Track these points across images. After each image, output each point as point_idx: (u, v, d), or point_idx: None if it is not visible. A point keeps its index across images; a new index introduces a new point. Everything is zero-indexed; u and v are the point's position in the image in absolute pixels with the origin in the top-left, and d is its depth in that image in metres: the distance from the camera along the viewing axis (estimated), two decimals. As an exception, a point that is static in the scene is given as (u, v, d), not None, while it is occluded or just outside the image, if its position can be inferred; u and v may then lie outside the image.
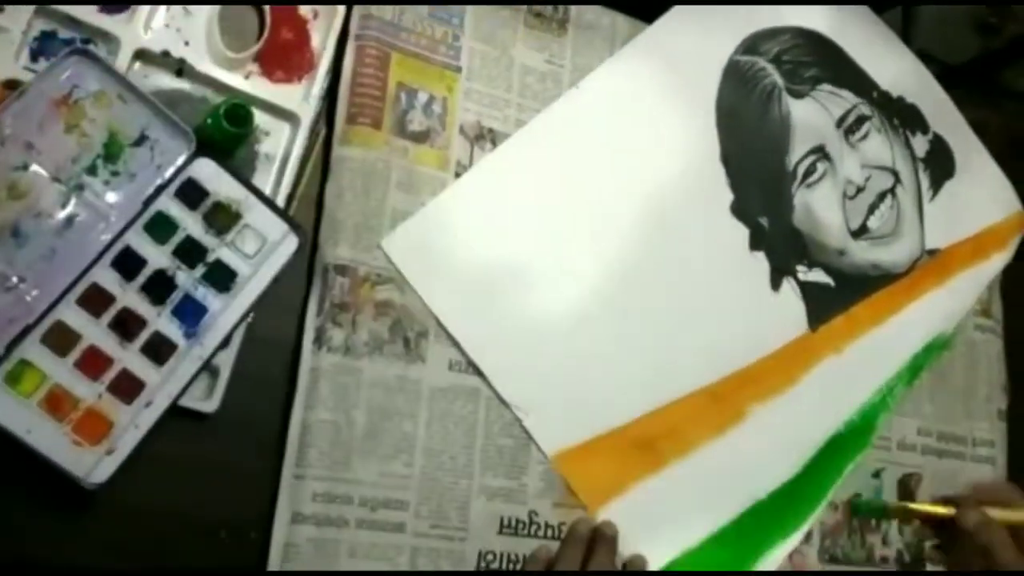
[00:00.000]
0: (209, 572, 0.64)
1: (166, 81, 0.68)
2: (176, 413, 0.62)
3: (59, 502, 0.60)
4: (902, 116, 0.98)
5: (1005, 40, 1.19)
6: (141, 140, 0.63)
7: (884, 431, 0.90)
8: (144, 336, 0.62)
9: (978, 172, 1.01)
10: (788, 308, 0.87)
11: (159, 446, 0.61)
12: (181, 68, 0.68)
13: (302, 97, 0.71)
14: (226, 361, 0.65)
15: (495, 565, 0.70)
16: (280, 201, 0.69)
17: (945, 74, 1.01)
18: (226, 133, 0.64)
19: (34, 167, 0.60)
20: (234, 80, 0.69)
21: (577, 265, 0.78)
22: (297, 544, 0.64)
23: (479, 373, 0.73)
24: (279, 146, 0.71)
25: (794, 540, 0.82)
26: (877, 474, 0.90)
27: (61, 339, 0.60)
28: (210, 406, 0.65)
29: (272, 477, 0.66)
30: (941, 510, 0.72)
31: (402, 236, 0.71)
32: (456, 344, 0.72)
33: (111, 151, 0.62)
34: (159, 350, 0.62)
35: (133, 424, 0.60)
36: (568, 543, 0.71)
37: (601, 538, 0.72)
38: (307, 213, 0.71)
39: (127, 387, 0.61)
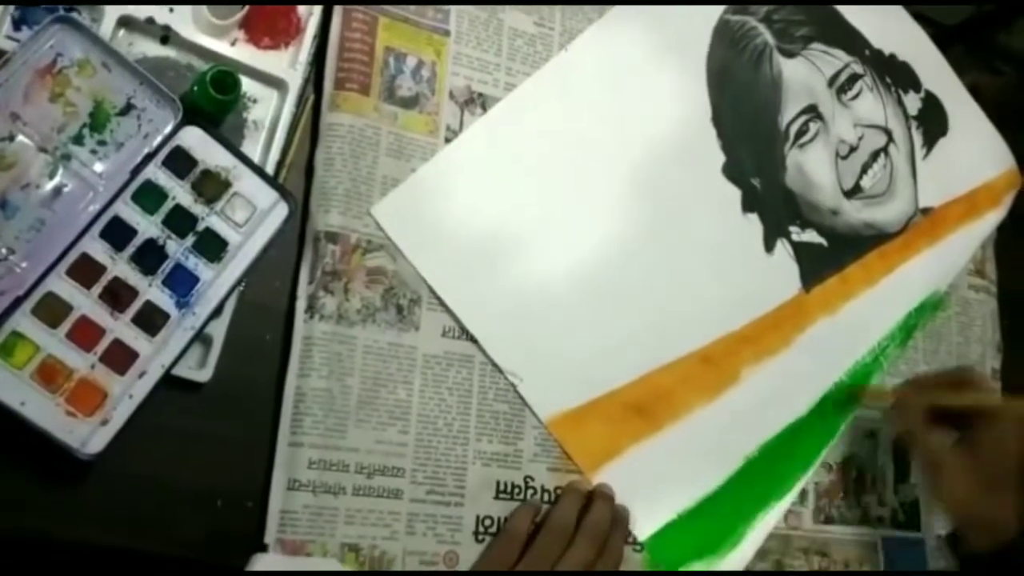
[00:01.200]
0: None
1: (151, 49, 0.67)
2: (170, 383, 0.62)
3: (54, 473, 0.60)
4: (894, 74, 0.98)
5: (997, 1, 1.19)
6: (127, 109, 0.62)
7: None
8: (135, 306, 0.61)
9: (971, 129, 1.02)
10: (781, 269, 0.87)
11: (153, 416, 0.61)
12: (166, 35, 0.67)
13: (289, 63, 0.71)
14: (219, 330, 0.65)
15: (493, 530, 0.71)
16: (269, 168, 0.68)
17: (939, 35, 1.01)
18: (213, 100, 0.64)
19: (20, 137, 0.60)
20: (220, 47, 0.69)
21: (568, 229, 0.78)
22: (294, 511, 0.64)
23: (472, 339, 0.73)
24: (267, 113, 0.71)
25: (788, 500, 0.83)
26: (872, 434, 0.90)
27: (52, 310, 0.59)
28: (204, 375, 0.65)
29: (267, 445, 0.66)
30: (884, 395, 0.85)
31: (392, 203, 0.71)
32: (449, 311, 0.72)
33: (97, 120, 0.62)
34: (151, 320, 0.62)
35: (127, 394, 0.60)
36: (569, 493, 0.73)
37: (600, 493, 0.74)
38: (297, 180, 0.71)
39: (120, 357, 0.60)
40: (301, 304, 0.68)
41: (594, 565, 0.71)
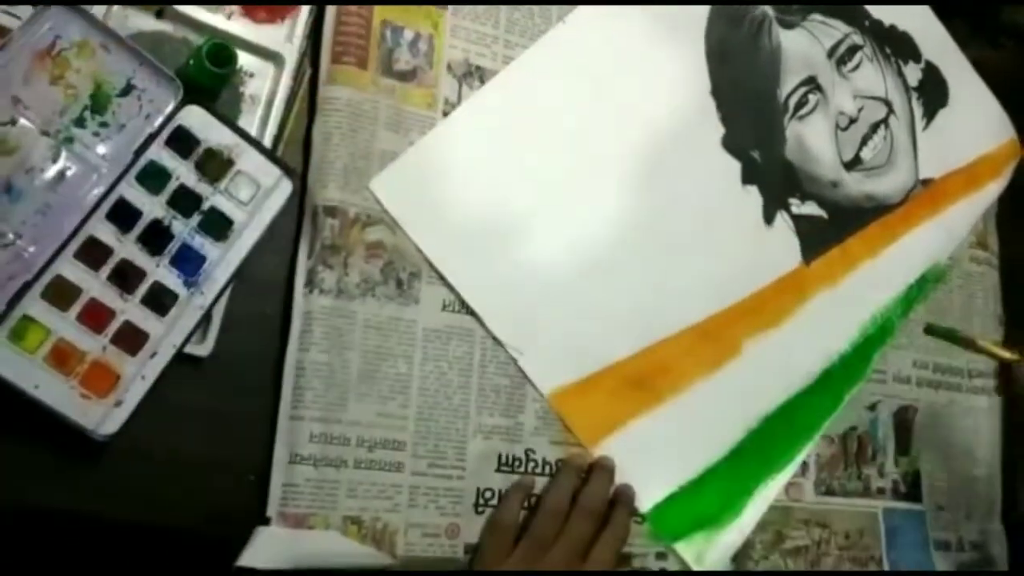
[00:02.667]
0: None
1: (147, 23, 0.70)
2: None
3: (61, 450, 0.63)
4: (894, 45, 1.01)
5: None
6: (128, 90, 0.66)
7: (880, 364, 0.95)
8: (144, 287, 0.65)
9: (972, 100, 1.05)
10: (782, 242, 0.91)
11: (154, 391, 0.64)
12: (161, 10, 0.70)
13: (286, 37, 0.74)
14: (218, 305, 0.68)
15: (493, 502, 0.75)
16: (267, 143, 0.71)
17: (942, 9, 1.04)
18: (209, 74, 0.67)
19: (22, 121, 0.63)
20: (216, 21, 0.72)
21: (567, 201, 0.81)
22: (296, 485, 0.68)
23: (472, 313, 0.76)
24: (264, 88, 0.74)
25: (789, 472, 0.87)
26: (873, 407, 0.95)
27: (62, 293, 0.63)
28: (204, 350, 0.68)
29: (268, 419, 0.69)
30: (1005, 355, 0.85)
31: (390, 177, 0.74)
32: (448, 285, 0.75)
33: (98, 102, 0.65)
34: (160, 301, 0.65)
35: (139, 375, 0.64)
36: (564, 471, 0.77)
37: (599, 468, 0.78)
38: (295, 155, 0.74)
39: (131, 339, 0.64)
40: (300, 278, 0.71)
41: (593, 538, 0.75)
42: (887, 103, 0.99)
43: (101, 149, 0.65)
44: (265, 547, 0.66)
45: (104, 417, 0.63)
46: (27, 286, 0.62)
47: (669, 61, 0.88)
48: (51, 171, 0.64)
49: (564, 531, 0.74)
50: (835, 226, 0.94)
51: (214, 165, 0.68)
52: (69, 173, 0.64)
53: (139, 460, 0.66)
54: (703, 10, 0.90)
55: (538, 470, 0.78)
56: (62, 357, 0.62)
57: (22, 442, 0.63)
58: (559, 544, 0.73)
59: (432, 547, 0.73)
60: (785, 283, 0.90)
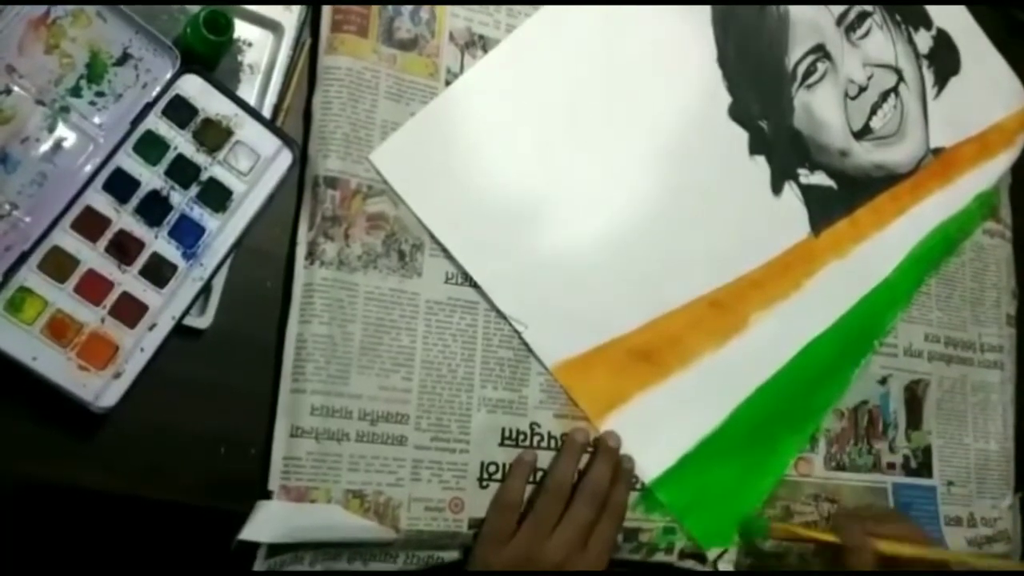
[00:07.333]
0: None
1: None
2: (169, 330, 0.66)
3: (62, 423, 0.64)
4: (904, 12, 1.01)
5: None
6: (124, 59, 0.66)
7: (891, 337, 0.95)
8: (143, 259, 0.66)
9: (984, 67, 1.05)
10: (790, 213, 0.91)
11: (154, 364, 0.65)
12: (158, -23, 0.70)
13: (285, 5, 0.74)
14: (218, 277, 0.69)
15: (497, 476, 0.75)
16: (266, 113, 0.72)
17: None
18: (206, 42, 0.67)
19: (17, 90, 0.64)
20: None
21: (571, 173, 0.81)
22: (297, 458, 0.68)
23: (476, 286, 0.77)
24: (263, 56, 0.74)
25: (798, 446, 0.88)
26: (884, 381, 0.95)
27: (59, 265, 0.63)
28: (203, 322, 0.68)
29: (269, 392, 0.70)
30: (827, 537, 0.81)
31: (390, 149, 0.75)
32: (451, 257, 0.76)
33: (94, 71, 0.66)
34: (159, 272, 0.66)
35: (138, 347, 0.64)
36: (567, 450, 0.77)
37: (603, 448, 0.78)
38: (295, 125, 0.74)
39: (129, 310, 0.65)
40: (301, 250, 0.72)
41: (595, 524, 0.75)
42: (897, 71, 0.99)
43: (97, 119, 0.66)
44: (267, 521, 0.67)
45: (103, 389, 0.63)
46: (24, 257, 0.63)
47: (674, 29, 0.88)
48: (47, 141, 0.65)
49: (567, 515, 0.75)
50: (844, 196, 0.94)
51: (213, 135, 0.68)
52: (65, 143, 0.65)
53: (138, 433, 0.67)
54: (709, -23, 0.90)
55: (543, 444, 0.78)
56: (60, 329, 0.63)
57: (20, 414, 0.64)
58: (561, 528, 0.74)
59: (435, 521, 0.73)
60: (793, 254, 0.90)
